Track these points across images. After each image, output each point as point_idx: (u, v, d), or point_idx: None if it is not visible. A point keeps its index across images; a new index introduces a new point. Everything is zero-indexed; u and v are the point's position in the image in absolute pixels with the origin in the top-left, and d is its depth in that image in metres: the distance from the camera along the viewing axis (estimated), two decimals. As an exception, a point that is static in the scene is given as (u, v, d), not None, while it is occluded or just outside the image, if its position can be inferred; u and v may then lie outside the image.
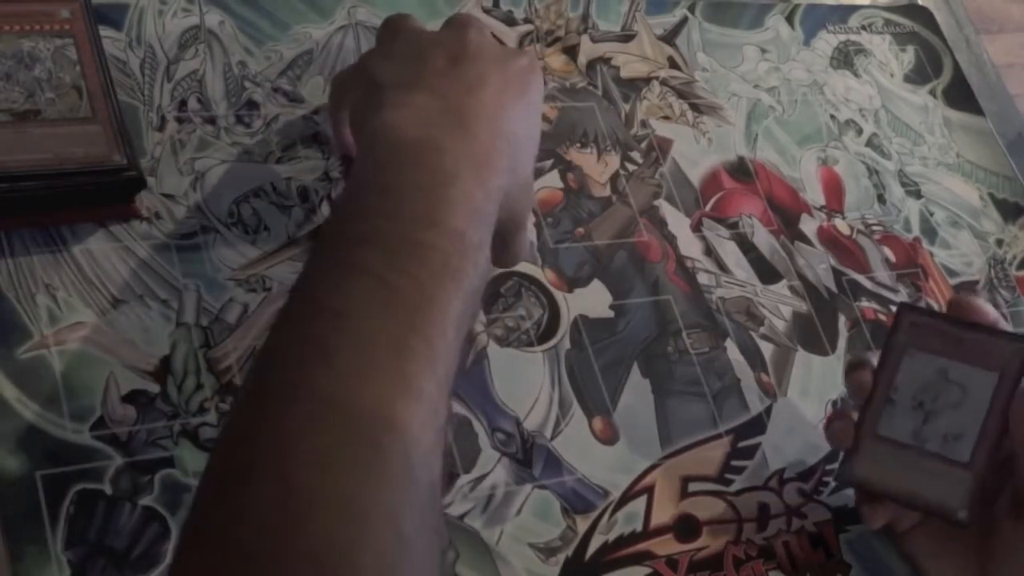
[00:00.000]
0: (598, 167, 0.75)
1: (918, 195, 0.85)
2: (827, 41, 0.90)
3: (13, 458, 0.54)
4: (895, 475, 0.64)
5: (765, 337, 0.74)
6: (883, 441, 0.64)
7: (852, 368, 0.67)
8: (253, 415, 0.45)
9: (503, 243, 0.58)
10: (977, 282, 0.83)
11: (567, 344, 0.68)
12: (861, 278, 0.79)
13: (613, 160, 0.76)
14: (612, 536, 0.63)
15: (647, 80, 0.81)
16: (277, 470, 0.43)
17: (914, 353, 0.65)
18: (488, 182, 0.54)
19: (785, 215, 0.79)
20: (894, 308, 0.78)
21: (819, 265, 0.78)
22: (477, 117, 0.55)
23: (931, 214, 0.85)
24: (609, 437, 0.66)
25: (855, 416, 0.66)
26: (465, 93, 0.56)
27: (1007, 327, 0.66)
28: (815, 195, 0.81)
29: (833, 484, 0.70)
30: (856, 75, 0.89)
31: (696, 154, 0.79)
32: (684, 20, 0.84)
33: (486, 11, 0.77)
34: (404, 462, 0.44)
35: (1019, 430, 0.62)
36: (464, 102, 0.56)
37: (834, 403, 0.73)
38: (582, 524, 0.63)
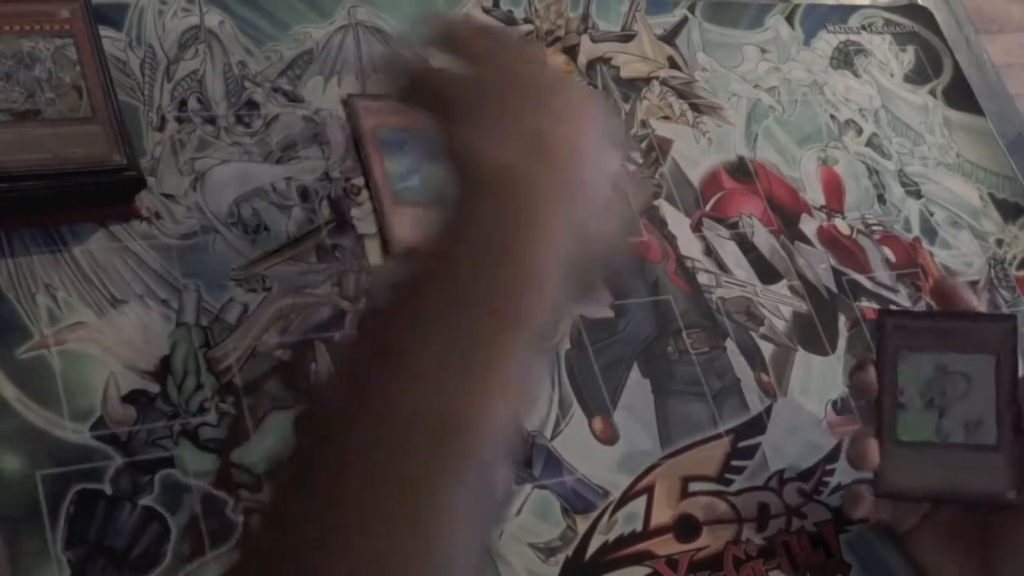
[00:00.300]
0: (598, 167, 0.75)
1: (918, 195, 0.85)
2: (827, 41, 0.90)
3: (13, 458, 0.54)
4: (930, 476, 0.64)
5: (765, 337, 0.74)
6: (907, 446, 0.64)
7: (856, 369, 0.67)
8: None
9: (585, 277, 0.57)
10: (977, 282, 0.83)
11: (567, 344, 0.68)
12: (861, 278, 0.79)
13: (613, 160, 0.76)
14: (612, 536, 0.63)
15: (647, 80, 0.81)
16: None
17: (907, 355, 0.65)
18: (575, 218, 0.52)
19: (785, 215, 0.79)
20: (895, 308, 0.78)
21: (819, 265, 0.78)
22: (562, 150, 0.53)
23: (931, 214, 0.85)
24: (609, 437, 0.66)
25: (865, 431, 0.65)
26: (548, 126, 0.53)
27: (983, 309, 0.67)
28: (815, 195, 0.81)
29: (833, 484, 0.70)
30: (856, 75, 0.89)
31: (696, 154, 0.79)
32: (684, 20, 0.84)
33: (486, 11, 0.77)
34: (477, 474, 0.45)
35: None
36: (548, 134, 0.53)
37: (834, 403, 0.73)
38: (582, 524, 0.63)
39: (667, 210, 0.76)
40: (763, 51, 0.86)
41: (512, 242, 0.49)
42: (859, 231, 0.81)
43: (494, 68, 0.56)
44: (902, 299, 0.79)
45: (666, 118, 0.80)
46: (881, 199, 0.84)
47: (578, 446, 0.65)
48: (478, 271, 0.48)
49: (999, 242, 0.86)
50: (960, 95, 0.92)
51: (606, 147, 0.56)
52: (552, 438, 0.65)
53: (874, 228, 0.82)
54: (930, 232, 0.84)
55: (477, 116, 0.53)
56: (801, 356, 0.74)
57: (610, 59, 0.80)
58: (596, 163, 0.54)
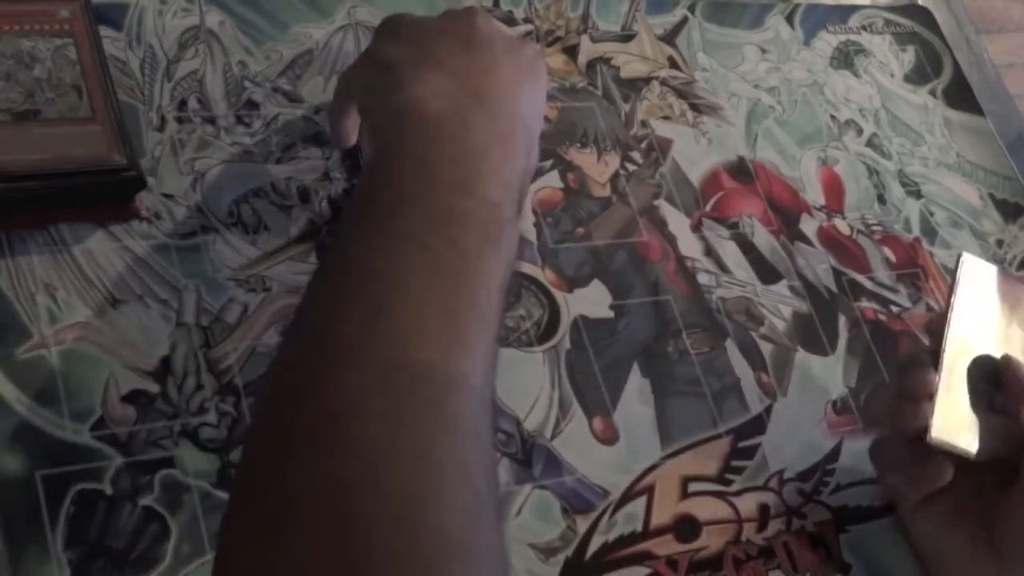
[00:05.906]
0: (598, 167, 0.75)
1: (918, 195, 0.85)
2: (827, 41, 0.90)
3: (13, 458, 0.54)
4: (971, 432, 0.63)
5: (765, 337, 0.74)
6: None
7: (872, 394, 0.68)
8: (309, 377, 0.45)
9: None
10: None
11: (567, 344, 0.68)
12: (861, 278, 0.79)
13: (613, 160, 0.76)
14: (612, 536, 0.63)
15: (647, 80, 0.81)
16: (344, 429, 0.42)
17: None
18: (513, 160, 0.54)
19: (785, 215, 0.79)
20: (895, 309, 0.78)
21: (819, 265, 0.78)
22: (496, 98, 0.56)
23: (931, 214, 0.85)
24: (609, 437, 0.66)
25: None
26: (480, 74, 0.57)
27: None
28: (815, 195, 0.81)
29: (833, 485, 0.70)
30: (856, 75, 0.89)
31: (696, 154, 0.79)
32: (684, 20, 0.84)
33: (486, 11, 0.77)
34: (471, 419, 0.44)
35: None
36: (482, 83, 0.57)
37: (834, 403, 0.73)
38: (582, 524, 0.63)
39: (667, 210, 0.76)
40: (763, 51, 0.86)
41: (465, 174, 0.52)
42: (859, 231, 0.81)
43: (426, 26, 0.60)
44: (902, 299, 0.79)
45: (666, 118, 0.80)
46: (881, 199, 0.84)
47: (578, 446, 0.65)
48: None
49: (999, 242, 0.86)
50: (960, 95, 0.92)
51: (537, 100, 0.61)
52: (552, 438, 0.65)
53: (874, 228, 0.82)
54: (930, 232, 0.84)
55: (413, 71, 0.56)
56: (801, 356, 0.74)
57: (610, 59, 0.80)
58: (527, 114, 0.58)
